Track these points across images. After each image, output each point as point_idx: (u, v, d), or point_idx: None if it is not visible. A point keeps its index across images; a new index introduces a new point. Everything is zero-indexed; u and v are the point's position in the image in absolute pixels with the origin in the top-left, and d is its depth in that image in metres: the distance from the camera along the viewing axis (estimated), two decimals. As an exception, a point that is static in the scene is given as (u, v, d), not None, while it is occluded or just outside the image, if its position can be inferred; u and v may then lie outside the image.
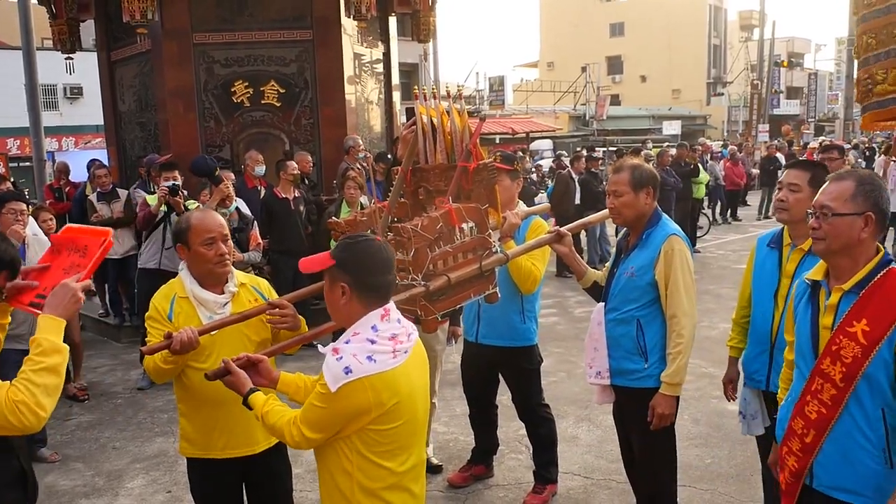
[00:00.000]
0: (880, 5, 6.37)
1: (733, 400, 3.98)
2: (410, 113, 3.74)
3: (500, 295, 3.35)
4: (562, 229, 3.81)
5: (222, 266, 3.22)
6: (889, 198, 2.73)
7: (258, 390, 2.70)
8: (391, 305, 2.51)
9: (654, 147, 21.77)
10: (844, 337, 2.62)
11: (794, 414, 2.78)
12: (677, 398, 3.66)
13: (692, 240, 14.35)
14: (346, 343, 2.42)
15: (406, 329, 2.52)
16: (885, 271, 2.63)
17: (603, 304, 3.80)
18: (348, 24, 9.55)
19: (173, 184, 7.14)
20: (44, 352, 2.46)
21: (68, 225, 3.02)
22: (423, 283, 2.91)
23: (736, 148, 22.03)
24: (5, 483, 2.60)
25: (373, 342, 2.40)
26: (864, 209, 2.63)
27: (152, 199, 7.39)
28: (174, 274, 3.36)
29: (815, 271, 2.82)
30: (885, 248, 2.73)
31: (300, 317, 3.21)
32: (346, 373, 2.34)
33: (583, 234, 13.00)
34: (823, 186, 2.76)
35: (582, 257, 12.26)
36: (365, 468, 2.44)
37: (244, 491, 3.42)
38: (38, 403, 2.38)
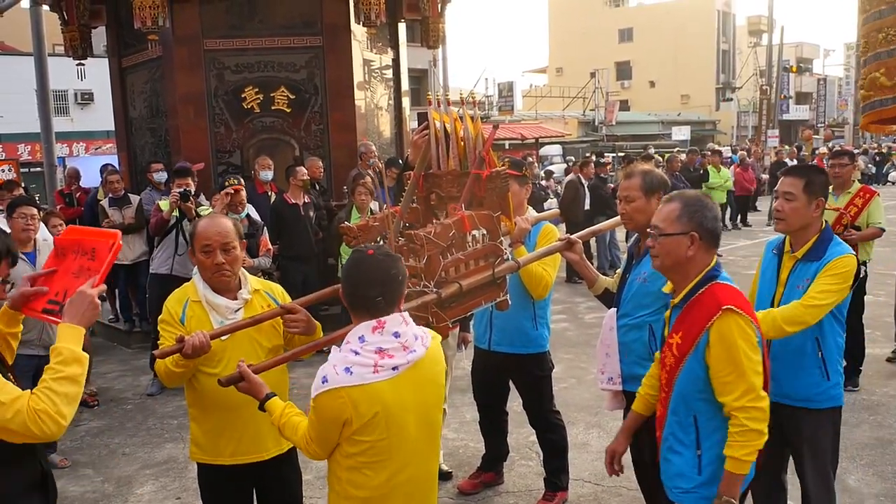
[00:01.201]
0: (885, 5, 6.37)
1: None
2: (421, 118, 3.74)
3: (510, 302, 3.34)
4: (572, 237, 3.79)
5: (220, 275, 3.21)
6: (717, 216, 2.89)
7: (275, 395, 2.72)
8: (391, 318, 2.49)
9: (656, 152, 21.80)
10: (667, 347, 2.91)
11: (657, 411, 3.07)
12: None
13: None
14: (338, 351, 2.48)
15: (405, 344, 2.48)
16: (705, 288, 2.81)
17: (615, 309, 3.78)
18: (358, 31, 9.57)
19: (185, 189, 7.17)
20: (64, 361, 2.47)
21: (71, 226, 3.00)
22: (434, 290, 2.90)
23: (745, 153, 21.97)
24: (29, 486, 2.61)
25: (356, 353, 2.43)
26: (689, 229, 2.80)
27: (165, 205, 7.42)
28: (186, 279, 3.38)
29: (667, 285, 3.07)
30: (717, 269, 2.88)
31: (316, 322, 3.21)
32: (323, 382, 2.41)
33: (593, 241, 12.97)
34: (658, 207, 2.95)
35: (591, 263, 12.27)
36: (351, 477, 2.49)
37: (255, 497, 3.42)
38: (59, 412, 2.39)
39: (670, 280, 2.99)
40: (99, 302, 2.62)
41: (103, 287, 2.68)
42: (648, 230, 2.98)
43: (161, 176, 8.84)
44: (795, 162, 19.74)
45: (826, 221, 3.64)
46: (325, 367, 2.43)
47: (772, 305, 3.63)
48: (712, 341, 2.73)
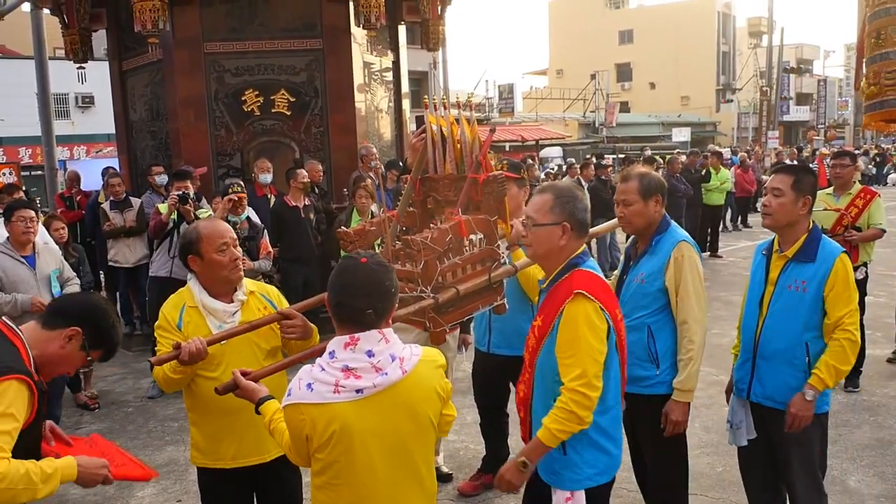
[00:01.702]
0: (890, 3, 6.38)
1: None
2: (420, 122, 3.73)
3: (507, 306, 3.34)
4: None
5: (237, 271, 3.23)
6: (587, 206, 2.99)
7: (272, 398, 2.70)
8: (367, 334, 2.32)
9: (657, 154, 21.84)
10: (531, 330, 3.01)
11: (516, 392, 3.14)
12: (689, 404, 3.65)
13: (715, 246, 14.52)
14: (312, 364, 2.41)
15: (376, 365, 2.30)
16: (567, 274, 2.91)
17: (613, 311, 3.78)
18: (358, 33, 9.57)
19: (183, 192, 7.18)
20: (45, 476, 2.51)
21: (119, 448, 3.06)
22: (431, 295, 2.90)
23: (745, 154, 21.94)
24: None
25: (322, 369, 2.31)
26: (561, 219, 2.90)
27: (164, 208, 7.43)
28: (185, 282, 3.37)
29: (541, 273, 3.18)
30: (582, 257, 2.97)
31: (312, 325, 3.21)
32: (288, 395, 2.34)
33: (593, 242, 12.97)
34: (531, 198, 3.01)
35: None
36: (317, 494, 2.42)
37: (255, 499, 3.42)
38: (11, 490, 2.41)
39: (542, 268, 3.10)
40: (101, 479, 2.71)
41: (112, 481, 2.77)
42: (521, 221, 3.06)
43: (162, 179, 8.86)
44: (796, 163, 19.74)
45: (814, 221, 3.67)
46: (293, 380, 2.35)
47: (760, 306, 3.66)
48: (561, 323, 2.83)
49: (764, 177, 21.55)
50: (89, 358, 2.75)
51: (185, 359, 2.93)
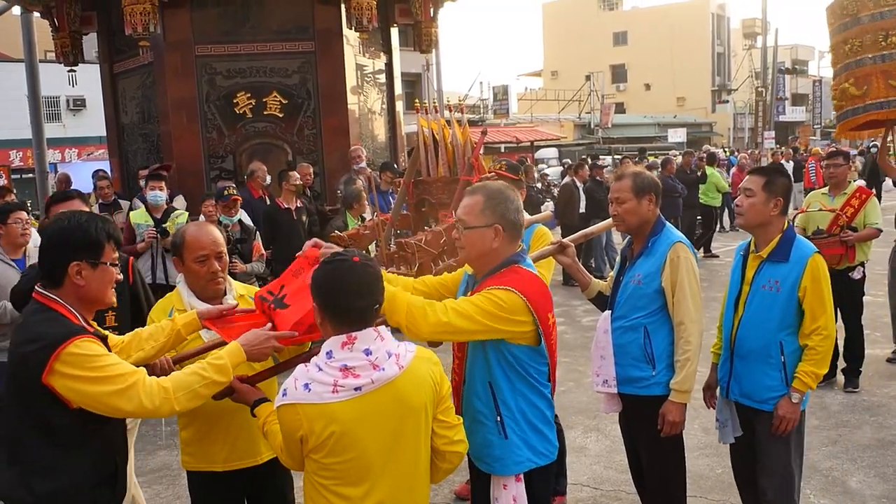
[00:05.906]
0: (848, 18, 6.58)
1: (712, 408, 4.01)
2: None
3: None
4: (564, 240, 3.76)
5: (215, 284, 3.20)
6: (519, 207, 2.94)
7: (267, 400, 2.68)
8: (364, 333, 2.32)
9: (651, 154, 21.85)
10: None
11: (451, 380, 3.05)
12: (686, 405, 3.62)
13: (707, 245, 14.54)
14: (306, 365, 2.37)
15: (374, 362, 2.30)
16: (506, 268, 2.86)
17: (609, 312, 3.76)
18: (350, 35, 9.56)
19: (162, 228, 7.21)
20: (217, 368, 2.54)
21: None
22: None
23: (747, 156, 21.94)
24: (101, 479, 2.61)
25: (319, 369, 2.29)
26: (493, 221, 2.84)
27: (137, 217, 7.38)
28: (170, 287, 3.33)
29: (469, 269, 3.15)
30: (521, 255, 2.93)
31: None
32: (283, 395, 2.31)
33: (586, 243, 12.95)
34: (462, 200, 2.96)
35: (588, 264, 12.19)
36: (310, 494, 2.38)
37: (246, 503, 3.38)
38: (177, 398, 2.46)
39: (474, 270, 3.03)
40: (270, 353, 2.71)
41: (281, 348, 2.75)
42: (455, 223, 3.00)
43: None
44: (792, 164, 19.76)
45: (789, 222, 3.73)
46: (288, 380, 2.32)
47: (736, 305, 3.72)
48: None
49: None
50: (111, 265, 2.59)
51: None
